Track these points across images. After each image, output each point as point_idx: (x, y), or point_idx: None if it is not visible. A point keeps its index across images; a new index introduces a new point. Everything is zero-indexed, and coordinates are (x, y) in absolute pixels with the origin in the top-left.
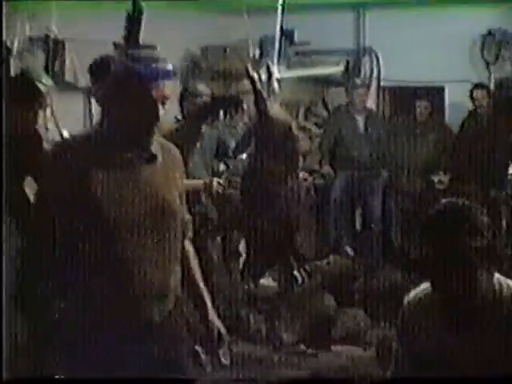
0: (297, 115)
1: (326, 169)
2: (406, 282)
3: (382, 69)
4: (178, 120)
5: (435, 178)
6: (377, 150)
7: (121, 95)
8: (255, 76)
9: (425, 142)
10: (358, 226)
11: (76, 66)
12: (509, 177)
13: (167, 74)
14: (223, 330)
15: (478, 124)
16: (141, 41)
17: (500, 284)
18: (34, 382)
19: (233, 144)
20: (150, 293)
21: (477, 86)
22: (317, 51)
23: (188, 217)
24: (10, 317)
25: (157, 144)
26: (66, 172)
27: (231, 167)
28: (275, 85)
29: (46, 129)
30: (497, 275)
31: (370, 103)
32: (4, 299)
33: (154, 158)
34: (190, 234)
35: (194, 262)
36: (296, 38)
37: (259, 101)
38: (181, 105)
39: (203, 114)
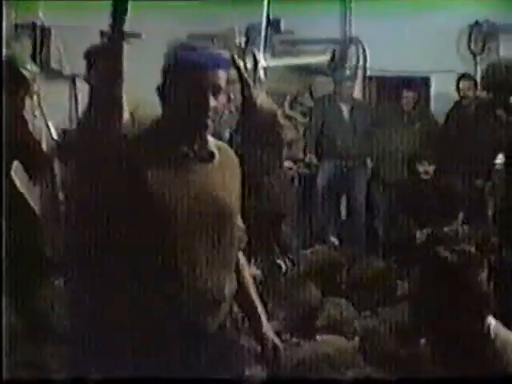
0: (282, 104)
1: (311, 158)
2: (390, 272)
3: (368, 58)
4: None
5: (420, 168)
6: (362, 139)
7: (171, 85)
8: (241, 64)
9: (410, 132)
10: (343, 215)
11: (62, 54)
12: (495, 167)
13: (221, 63)
14: (279, 344)
15: (463, 114)
16: (126, 28)
17: (490, 327)
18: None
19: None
20: (203, 298)
21: (463, 76)
22: (303, 40)
23: (242, 226)
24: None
25: (214, 144)
26: (117, 168)
27: None
28: (261, 73)
29: (34, 116)
30: (489, 318)
31: (356, 93)
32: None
33: (211, 156)
34: (243, 244)
35: (247, 274)
36: (282, 27)
37: (245, 89)
38: None
39: None
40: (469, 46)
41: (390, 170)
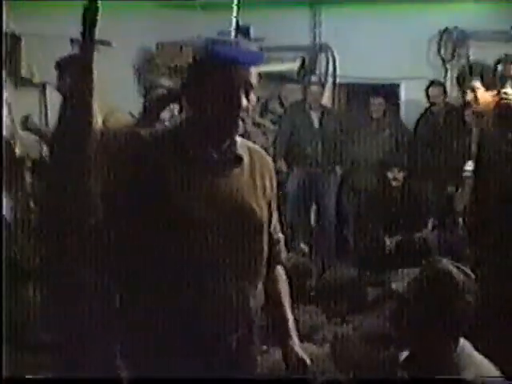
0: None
1: (281, 165)
2: (360, 279)
3: (337, 66)
4: (132, 115)
5: (390, 175)
6: (332, 146)
7: (199, 82)
8: None
9: (380, 139)
10: (312, 222)
11: (32, 62)
12: (464, 174)
13: (255, 59)
14: (306, 358)
15: (433, 121)
16: (97, 36)
17: (464, 348)
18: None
19: None
20: (224, 312)
21: (433, 83)
22: (272, 48)
23: (280, 235)
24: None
25: (244, 146)
26: (139, 169)
27: None
28: None
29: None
30: (462, 340)
31: (326, 100)
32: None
33: (239, 159)
34: (281, 257)
35: (285, 289)
36: (252, 34)
37: None
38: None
39: (159, 105)
40: (439, 53)
41: (359, 177)
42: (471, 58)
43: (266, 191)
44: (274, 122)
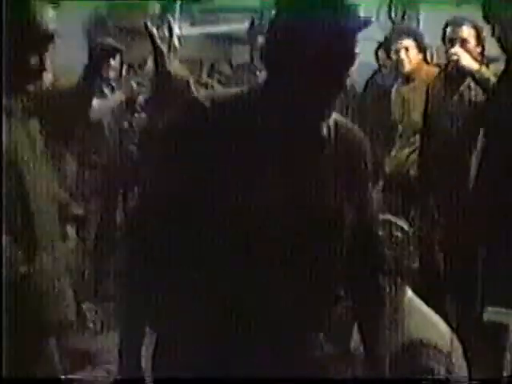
0: (200, 72)
1: None
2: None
3: None
4: None
5: None
6: None
7: (288, 45)
8: (154, 32)
9: None
10: None
11: None
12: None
13: (363, 23)
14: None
15: (381, 83)
16: None
17: (410, 301)
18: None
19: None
20: (282, 348)
21: (382, 45)
22: (221, 8)
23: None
24: None
25: (331, 124)
26: (190, 152)
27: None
28: (176, 41)
29: None
30: (410, 293)
31: None
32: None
33: (322, 143)
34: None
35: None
36: None
37: (158, 57)
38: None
39: (96, 64)
40: (389, 16)
41: None
42: (421, 20)
43: (355, 185)
44: (222, 84)
